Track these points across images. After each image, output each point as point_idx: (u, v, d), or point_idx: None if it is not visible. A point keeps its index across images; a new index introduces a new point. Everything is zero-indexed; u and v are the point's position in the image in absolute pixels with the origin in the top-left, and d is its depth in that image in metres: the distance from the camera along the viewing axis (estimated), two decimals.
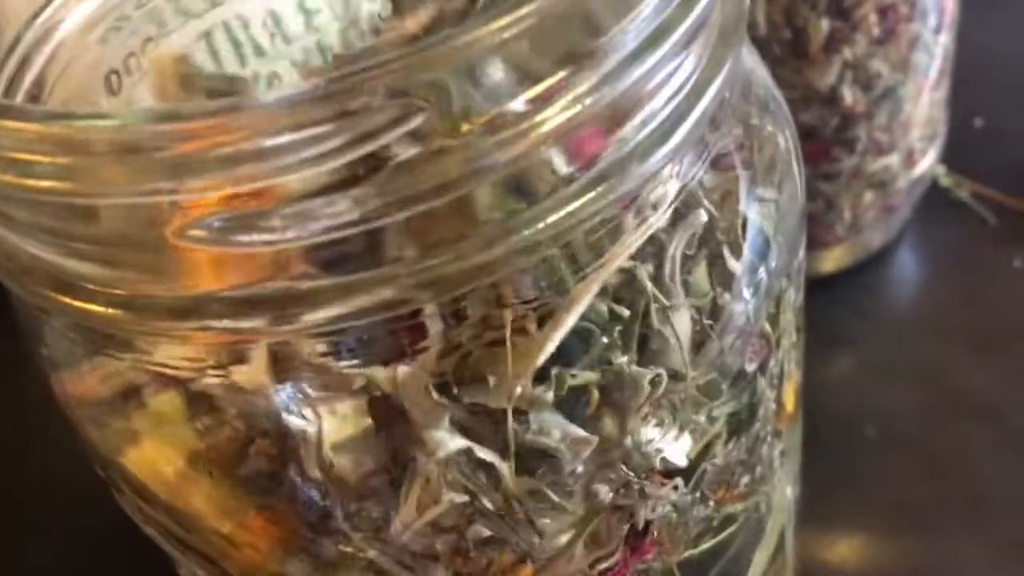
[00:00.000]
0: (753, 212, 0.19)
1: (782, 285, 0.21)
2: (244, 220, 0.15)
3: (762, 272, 0.19)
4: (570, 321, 0.16)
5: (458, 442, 0.17)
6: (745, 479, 0.22)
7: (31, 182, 0.15)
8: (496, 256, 0.15)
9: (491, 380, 0.16)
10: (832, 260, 0.42)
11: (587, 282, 0.16)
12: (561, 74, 0.14)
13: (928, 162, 0.42)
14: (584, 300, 0.16)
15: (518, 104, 0.14)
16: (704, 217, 0.18)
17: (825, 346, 0.40)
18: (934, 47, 0.38)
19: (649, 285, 0.18)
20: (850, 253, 0.42)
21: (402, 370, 0.17)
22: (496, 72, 0.14)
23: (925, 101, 0.39)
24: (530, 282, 0.16)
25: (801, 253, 0.22)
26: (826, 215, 0.40)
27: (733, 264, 0.19)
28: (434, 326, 0.16)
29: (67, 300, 0.18)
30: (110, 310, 0.17)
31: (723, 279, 0.19)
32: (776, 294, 0.20)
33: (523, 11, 0.14)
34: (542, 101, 0.14)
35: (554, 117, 0.14)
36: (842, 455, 0.37)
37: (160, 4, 0.26)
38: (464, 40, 0.14)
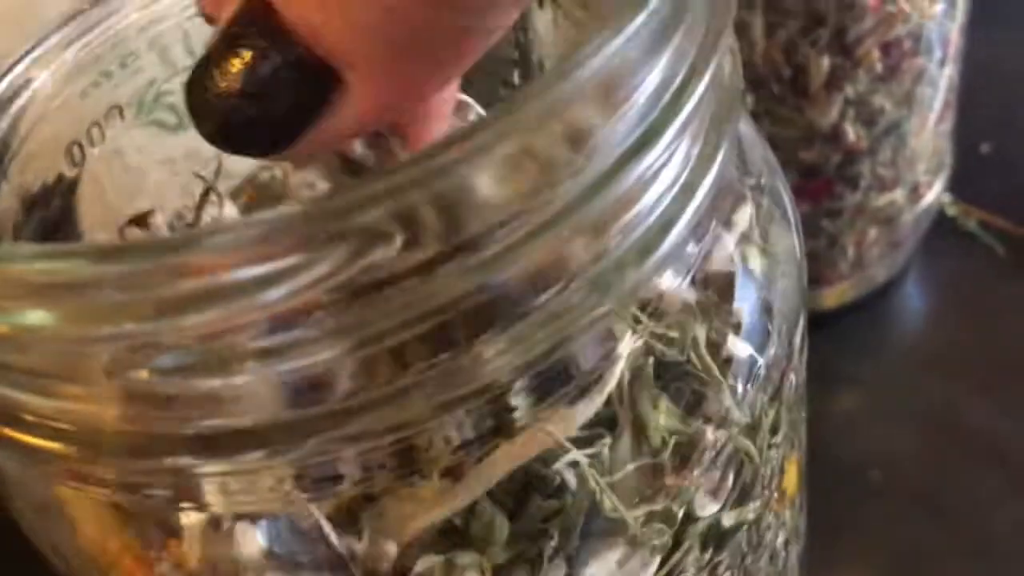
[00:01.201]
0: (748, 309, 0.18)
1: (779, 377, 0.19)
2: (198, 361, 0.13)
3: (759, 369, 0.18)
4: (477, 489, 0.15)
5: None
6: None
7: None
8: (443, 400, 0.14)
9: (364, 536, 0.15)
10: (835, 296, 0.41)
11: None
12: (540, 196, 0.13)
13: (934, 194, 0.40)
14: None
15: (493, 231, 0.13)
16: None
17: (828, 386, 0.39)
18: (939, 80, 0.37)
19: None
20: (854, 289, 0.41)
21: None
22: (472, 195, 0.13)
23: (930, 134, 0.38)
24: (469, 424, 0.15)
25: (799, 334, 0.21)
26: (829, 252, 0.39)
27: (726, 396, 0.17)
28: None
29: (9, 432, 0.16)
30: (56, 445, 0.16)
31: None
32: (773, 386, 0.19)
33: (499, 127, 0.13)
34: (517, 225, 0.13)
35: (533, 240, 0.13)
36: (846, 501, 0.36)
37: (143, 60, 0.24)
38: (437, 163, 0.13)
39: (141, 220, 0.24)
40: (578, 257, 0.14)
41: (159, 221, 0.24)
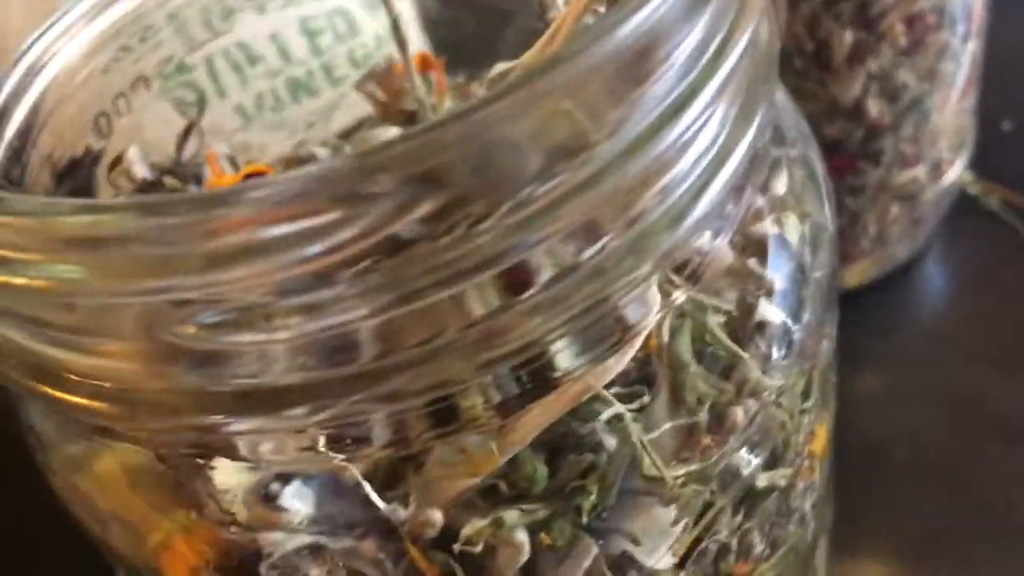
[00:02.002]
0: (781, 279, 0.18)
1: (812, 343, 0.19)
2: (239, 317, 0.13)
3: (794, 341, 0.18)
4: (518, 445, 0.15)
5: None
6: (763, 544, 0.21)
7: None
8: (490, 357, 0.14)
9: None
10: (856, 274, 0.40)
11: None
12: (579, 155, 0.13)
13: (956, 172, 0.40)
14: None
15: (532, 189, 0.13)
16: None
17: (850, 365, 0.39)
18: (962, 55, 0.36)
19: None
20: (875, 266, 0.41)
21: None
22: (509, 153, 0.13)
23: (952, 110, 0.38)
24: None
25: (831, 301, 0.21)
26: (851, 229, 0.38)
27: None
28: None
29: (48, 390, 0.16)
30: (95, 403, 0.16)
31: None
32: (806, 351, 0.19)
33: (535, 86, 0.13)
34: (557, 185, 0.13)
35: (571, 199, 0.13)
36: (870, 479, 0.36)
37: (162, 34, 0.24)
38: (476, 119, 0.13)
39: (117, 161, 0.24)
40: (615, 218, 0.14)
41: (132, 156, 0.24)
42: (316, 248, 0.13)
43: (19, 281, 0.14)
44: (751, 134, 0.15)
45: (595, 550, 0.17)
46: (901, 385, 0.39)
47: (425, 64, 0.26)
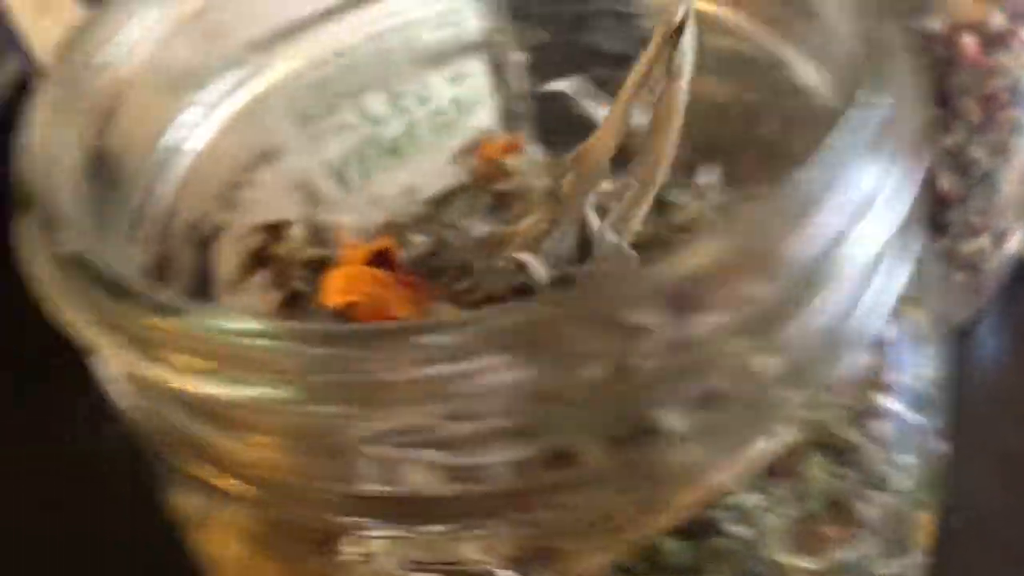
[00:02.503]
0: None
1: (932, 439, 0.20)
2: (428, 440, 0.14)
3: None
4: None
5: None
6: None
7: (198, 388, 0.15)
8: None
9: None
10: None
11: None
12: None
13: (1017, 240, 0.41)
14: None
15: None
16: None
17: None
18: None
19: None
20: None
21: None
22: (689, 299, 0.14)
23: (1020, 181, 0.38)
24: None
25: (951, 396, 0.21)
26: None
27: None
28: None
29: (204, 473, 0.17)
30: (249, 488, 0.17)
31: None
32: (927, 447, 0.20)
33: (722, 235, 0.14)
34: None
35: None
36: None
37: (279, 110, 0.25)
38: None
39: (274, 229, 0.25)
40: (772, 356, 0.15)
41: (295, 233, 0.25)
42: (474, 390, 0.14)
43: (205, 391, 0.15)
44: (910, 268, 0.16)
45: None
46: (957, 450, 0.39)
47: (511, 146, 0.27)
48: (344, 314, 0.21)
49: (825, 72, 0.20)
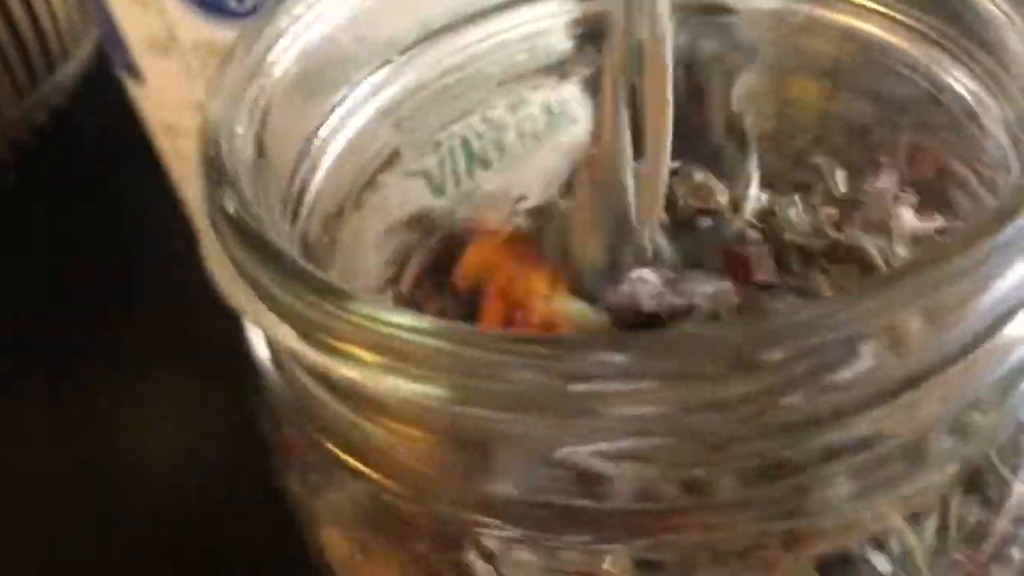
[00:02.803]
0: None
1: None
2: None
3: None
4: None
5: None
6: None
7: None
8: None
9: None
10: None
11: None
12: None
13: None
14: None
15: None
16: None
17: None
18: None
19: None
20: None
21: None
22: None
23: None
24: None
25: None
26: None
27: None
28: None
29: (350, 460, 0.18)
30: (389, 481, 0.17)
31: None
32: None
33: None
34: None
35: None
36: None
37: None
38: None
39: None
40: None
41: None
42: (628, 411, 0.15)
43: (361, 378, 0.15)
44: None
45: None
46: None
47: None
48: (478, 289, 0.21)
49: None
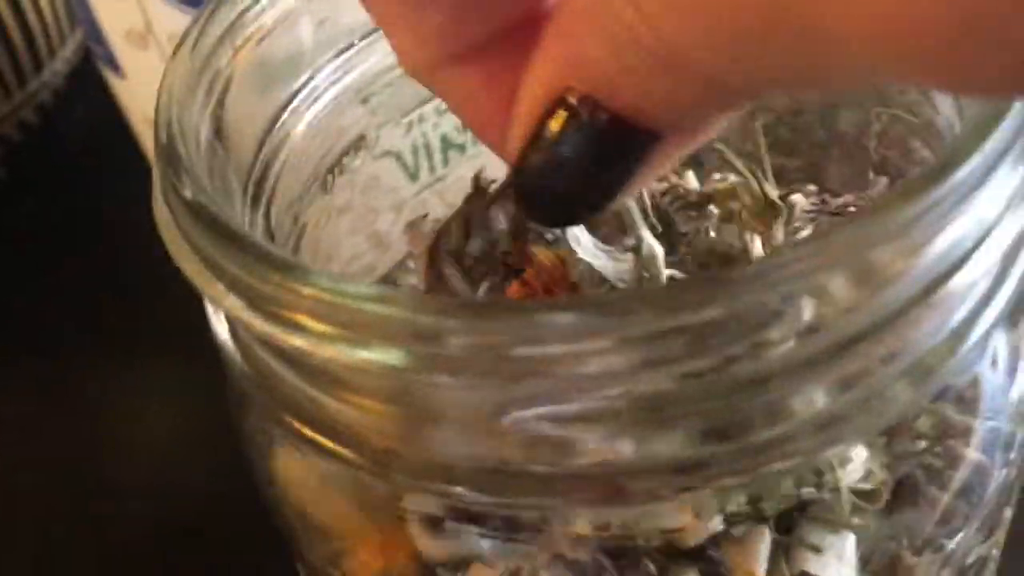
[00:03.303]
0: None
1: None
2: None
3: None
4: None
5: None
6: None
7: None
8: None
9: None
10: None
11: None
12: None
13: None
14: None
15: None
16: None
17: None
18: None
19: None
20: None
21: None
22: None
23: None
24: None
25: None
26: None
27: None
28: None
29: (316, 436, 0.18)
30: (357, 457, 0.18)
31: None
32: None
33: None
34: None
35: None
36: None
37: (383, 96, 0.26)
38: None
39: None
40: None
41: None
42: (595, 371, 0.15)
43: (348, 357, 0.16)
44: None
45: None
46: None
47: None
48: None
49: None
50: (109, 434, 0.39)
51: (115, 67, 0.40)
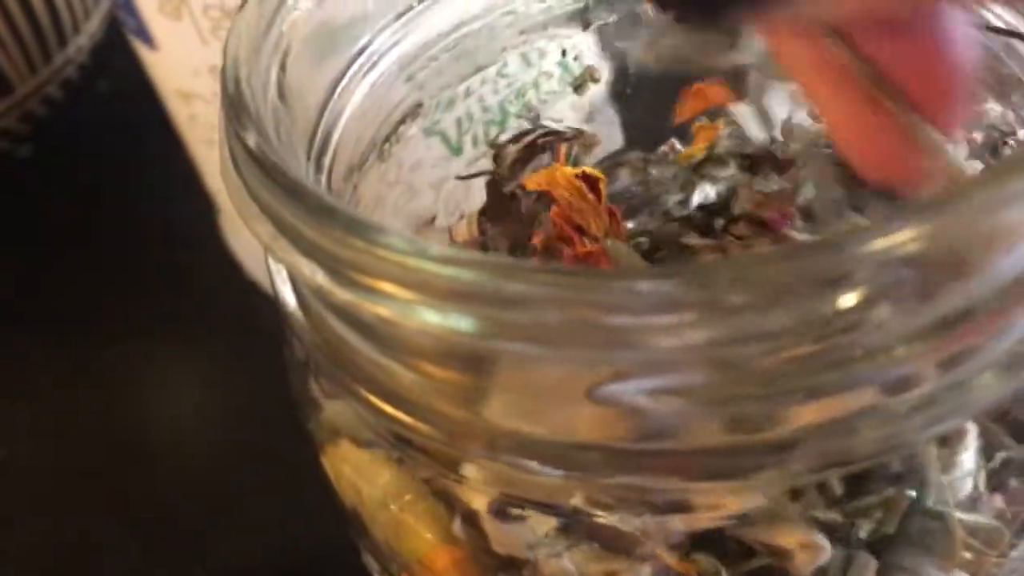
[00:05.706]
0: None
1: None
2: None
3: None
4: None
5: None
6: None
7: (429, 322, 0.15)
8: None
9: None
10: None
11: None
12: None
13: None
14: None
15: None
16: None
17: None
18: None
19: None
20: None
21: None
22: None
23: None
24: None
25: None
26: None
27: None
28: None
29: (378, 402, 0.17)
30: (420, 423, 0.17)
31: None
32: None
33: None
34: None
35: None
36: None
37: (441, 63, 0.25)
38: None
39: None
40: None
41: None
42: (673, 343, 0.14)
43: (430, 325, 0.15)
44: None
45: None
46: None
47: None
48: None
49: None
50: (136, 406, 0.38)
51: (146, 38, 0.39)
